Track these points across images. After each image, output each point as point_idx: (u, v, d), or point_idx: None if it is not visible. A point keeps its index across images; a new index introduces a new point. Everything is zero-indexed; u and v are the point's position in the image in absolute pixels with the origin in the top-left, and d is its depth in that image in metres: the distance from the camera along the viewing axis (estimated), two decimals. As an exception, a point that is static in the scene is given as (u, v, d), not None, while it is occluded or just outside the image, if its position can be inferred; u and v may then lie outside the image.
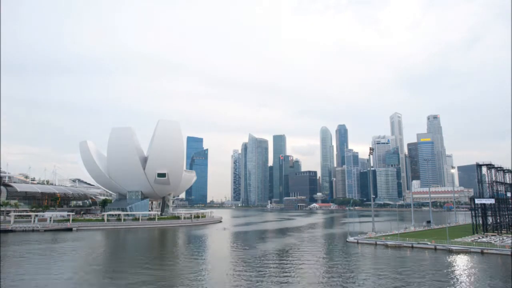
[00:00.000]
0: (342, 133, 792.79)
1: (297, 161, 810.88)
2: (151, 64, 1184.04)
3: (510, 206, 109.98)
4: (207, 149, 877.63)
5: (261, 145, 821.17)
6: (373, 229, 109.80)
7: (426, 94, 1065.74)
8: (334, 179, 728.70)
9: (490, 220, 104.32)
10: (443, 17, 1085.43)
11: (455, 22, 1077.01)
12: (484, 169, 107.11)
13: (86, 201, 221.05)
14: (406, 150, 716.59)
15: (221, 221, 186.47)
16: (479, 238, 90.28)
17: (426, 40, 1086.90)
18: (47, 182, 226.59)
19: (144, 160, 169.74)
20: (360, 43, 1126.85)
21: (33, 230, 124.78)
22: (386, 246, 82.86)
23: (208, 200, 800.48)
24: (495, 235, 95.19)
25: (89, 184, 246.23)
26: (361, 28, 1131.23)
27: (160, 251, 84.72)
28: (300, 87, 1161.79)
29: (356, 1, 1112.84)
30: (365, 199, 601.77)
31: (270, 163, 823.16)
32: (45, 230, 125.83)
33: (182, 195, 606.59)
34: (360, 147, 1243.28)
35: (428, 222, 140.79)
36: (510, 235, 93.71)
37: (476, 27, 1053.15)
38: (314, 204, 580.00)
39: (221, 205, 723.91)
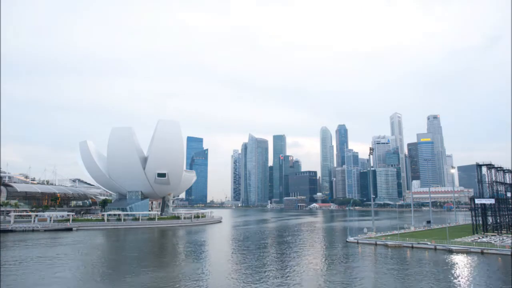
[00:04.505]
0: (342, 133, 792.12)
1: (297, 161, 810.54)
2: (151, 64, 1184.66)
3: (510, 206, 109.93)
4: (207, 149, 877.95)
5: (261, 145, 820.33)
6: (373, 229, 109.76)
7: (426, 94, 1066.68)
8: (334, 179, 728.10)
9: (490, 220, 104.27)
10: (446, 19, 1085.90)
11: (457, 24, 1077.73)
12: (484, 169, 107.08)
13: (86, 201, 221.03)
14: (406, 150, 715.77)
15: (221, 221, 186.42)
16: (479, 238, 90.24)
17: (426, 41, 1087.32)
18: (47, 182, 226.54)
19: (144, 160, 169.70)
20: (361, 43, 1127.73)
21: (33, 230, 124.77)
22: (386, 246, 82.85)
23: (208, 200, 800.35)
24: (495, 235, 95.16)
25: (89, 184, 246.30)
26: (362, 29, 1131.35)
27: (160, 252, 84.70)
28: (300, 87, 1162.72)
29: (360, 2, 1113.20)
30: (365, 199, 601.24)
31: (270, 163, 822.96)
32: (45, 230, 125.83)
33: (182, 195, 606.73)
34: (360, 147, 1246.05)
35: (428, 222, 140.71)
36: (510, 235, 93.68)
37: (481, 30, 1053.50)
38: (314, 204, 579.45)
39: (221, 205, 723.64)
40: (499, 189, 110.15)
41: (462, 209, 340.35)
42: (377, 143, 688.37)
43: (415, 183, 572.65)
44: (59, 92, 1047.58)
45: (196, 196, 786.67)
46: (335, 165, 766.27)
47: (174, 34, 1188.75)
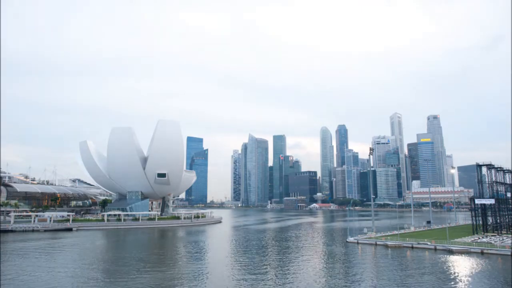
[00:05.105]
0: (342, 133, 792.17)
1: (297, 161, 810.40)
2: (151, 64, 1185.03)
3: (510, 206, 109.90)
4: (207, 149, 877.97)
5: (261, 145, 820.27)
6: (373, 229, 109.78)
7: (426, 94, 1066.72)
8: (334, 179, 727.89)
9: (490, 220, 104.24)
10: (446, 18, 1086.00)
11: (458, 24, 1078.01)
12: (484, 169, 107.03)
13: (86, 201, 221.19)
14: (406, 150, 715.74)
15: (221, 222, 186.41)
16: (479, 238, 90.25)
17: (426, 41, 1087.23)
18: (47, 182, 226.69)
19: (144, 160, 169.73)
20: (361, 43, 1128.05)
21: (33, 230, 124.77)
22: (386, 246, 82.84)
23: (208, 200, 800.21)
24: (495, 235, 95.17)
25: (89, 184, 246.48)
26: (362, 29, 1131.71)
27: (160, 252, 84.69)
28: (300, 87, 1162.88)
29: (360, 2, 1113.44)
30: (365, 199, 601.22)
31: (270, 163, 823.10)
32: (45, 230, 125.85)
33: (182, 195, 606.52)
34: (360, 147, 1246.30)
35: (428, 222, 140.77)
36: (510, 235, 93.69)
37: (481, 30, 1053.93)
38: (314, 204, 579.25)
39: (221, 205, 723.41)
40: (499, 189, 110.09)
41: (462, 209, 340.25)
42: (377, 143, 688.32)
43: (415, 183, 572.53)
44: (59, 92, 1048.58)
45: (196, 196, 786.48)
46: (335, 165, 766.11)
47: (174, 34, 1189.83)
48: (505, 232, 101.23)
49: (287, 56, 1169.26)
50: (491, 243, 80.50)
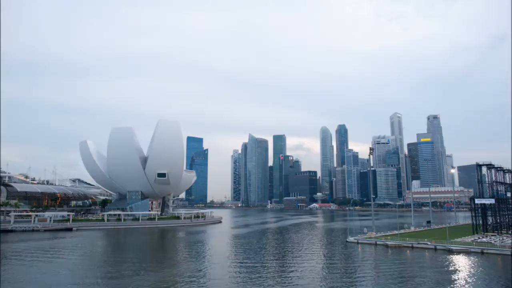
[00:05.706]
0: (342, 133, 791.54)
1: (297, 161, 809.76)
2: (151, 64, 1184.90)
3: (510, 206, 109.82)
4: (207, 149, 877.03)
5: (261, 145, 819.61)
6: (373, 229, 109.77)
7: (426, 94, 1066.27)
8: (334, 179, 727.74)
9: (490, 220, 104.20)
10: (447, 18, 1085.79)
11: (458, 24, 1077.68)
12: (484, 169, 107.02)
13: (86, 201, 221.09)
14: (406, 150, 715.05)
15: (221, 222, 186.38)
16: (479, 238, 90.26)
17: (427, 41, 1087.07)
18: (47, 182, 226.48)
19: (144, 160, 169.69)
20: (361, 43, 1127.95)
21: (33, 230, 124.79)
22: (386, 246, 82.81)
23: (208, 200, 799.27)
24: (495, 235, 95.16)
25: (89, 184, 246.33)
26: (363, 28, 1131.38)
27: (159, 252, 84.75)
28: (300, 87, 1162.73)
29: (360, 1, 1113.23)
30: (365, 199, 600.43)
31: (270, 163, 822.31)
32: (45, 230, 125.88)
33: (182, 195, 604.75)
34: (360, 147, 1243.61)
35: (428, 222, 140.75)
36: (510, 235, 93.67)
37: (481, 30, 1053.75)
38: (314, 204, 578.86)
39: (221, 205, 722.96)
40: (499, 189, 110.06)
41: (462, 209, 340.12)
42: (377, 143, 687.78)
43: (415, 183, 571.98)
44: (59, 92, 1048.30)
45: (196, 196, 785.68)
46: (335, 165, 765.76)
47: (174, 33, 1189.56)
48: (505, 232, 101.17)
49: (287, 56, 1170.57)
50: (491, 243, 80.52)
